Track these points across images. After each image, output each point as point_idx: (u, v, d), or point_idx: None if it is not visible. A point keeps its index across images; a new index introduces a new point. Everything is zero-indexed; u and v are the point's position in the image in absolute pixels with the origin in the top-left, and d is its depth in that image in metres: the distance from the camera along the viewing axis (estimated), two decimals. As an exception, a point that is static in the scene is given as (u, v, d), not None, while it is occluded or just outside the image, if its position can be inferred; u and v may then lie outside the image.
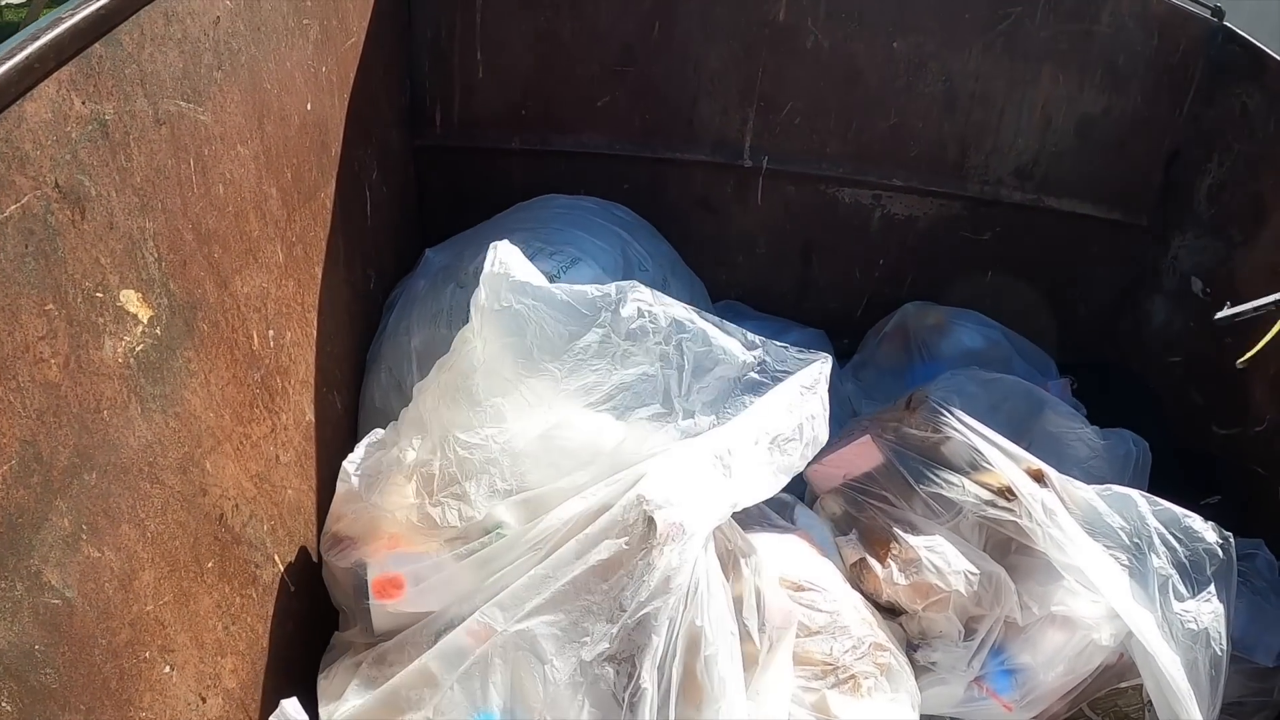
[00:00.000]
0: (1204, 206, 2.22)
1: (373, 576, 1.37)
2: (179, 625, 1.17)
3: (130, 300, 1.08)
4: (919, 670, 1.72)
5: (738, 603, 1.29)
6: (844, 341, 2.32)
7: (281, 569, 1.46)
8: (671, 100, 2.09)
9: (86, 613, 1.00)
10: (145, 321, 1.11)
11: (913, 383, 2.18)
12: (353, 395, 1.79)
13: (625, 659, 1.15)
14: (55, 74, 0.95)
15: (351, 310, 1.79)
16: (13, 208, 0.91)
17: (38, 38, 0.91)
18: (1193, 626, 1.63)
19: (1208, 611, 1.65)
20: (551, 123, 2.11)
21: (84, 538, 1.00)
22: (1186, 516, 1.72)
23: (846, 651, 1.57)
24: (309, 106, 1.55)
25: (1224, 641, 1.63)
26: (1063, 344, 2.40)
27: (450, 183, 2.17)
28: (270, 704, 1.35)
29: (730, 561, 1.33)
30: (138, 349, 1.10)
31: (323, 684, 1.38)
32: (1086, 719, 1.85)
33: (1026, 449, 1.91)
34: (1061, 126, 2.20)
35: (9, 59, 0.87)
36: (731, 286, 2.27)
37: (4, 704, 0.87)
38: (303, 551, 1.54)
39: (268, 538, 1.43)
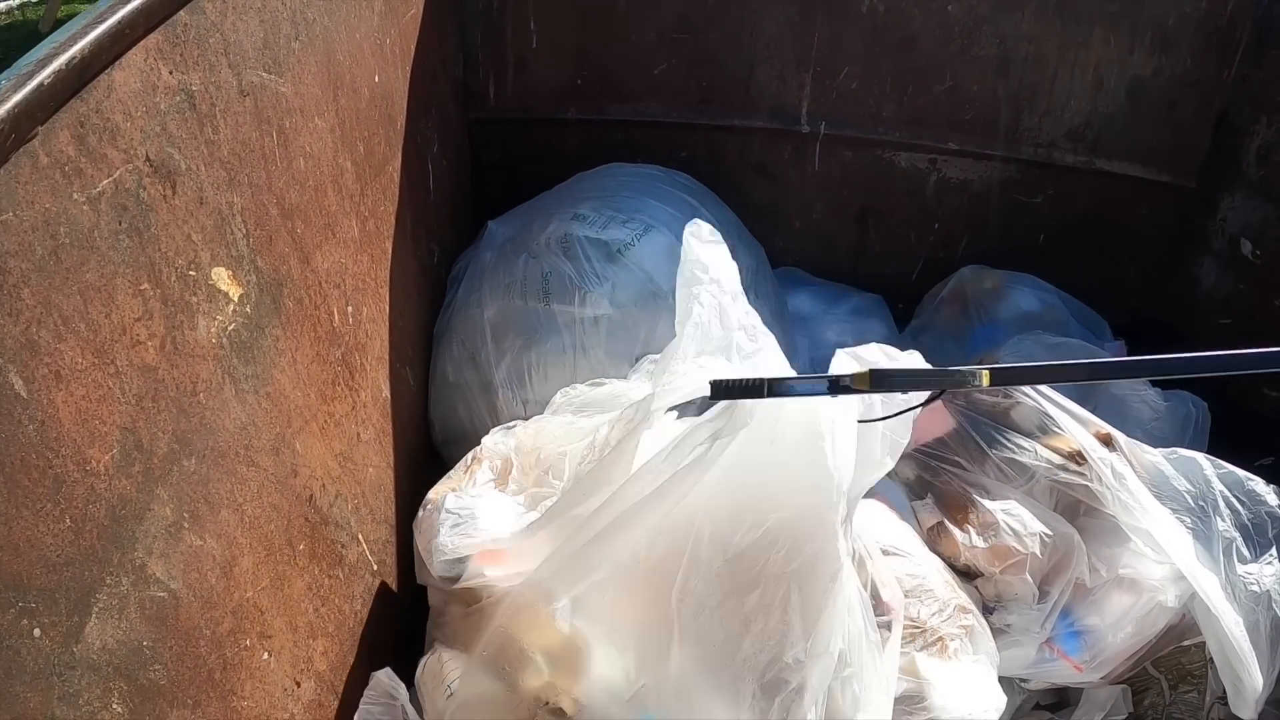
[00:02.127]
0: (1253, 168, 2.12)
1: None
2: (275, 610, 1.10)
3: (221, 278, 1.00)
4: (994, 632, 1.64)
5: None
6: (899, 306, 2.22)
7: (365, 547, 1.39)
8: (728, 67, 1.98)
9: (191, 603, 0.92)
10: (236, 300, 1.03)
11: (973, 346, 2.10)
12: (423, 371, 1.70)
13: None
14: (143, 41, 0.86)
15: (419, 285, 1.70)
16: (105, 182, 0.82)
17: (126, 2, 0.82)
18: (1255, 589, 1.57)
19: (1270, 574, 1.59)
20: (608, 92, 2.00)
21: (186, 526, 0.92)
22: (1250, 480, 1.66)
23: (934, 614, 1.51)
24: (376, 79, 1.45)
25: None
26: (1113, 306, 2.31)
27: (503, 155, 2.07)
28: (356, 684, 1.29)
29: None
30: (229, 328, 1.01)
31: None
32: (1150, 677, 1.81)
33: (1093, 410, 1.88)
34: (1113, 88, 2.10)
35: (99, 24, 0.78)
36: (788, 253, 2.17)
37: (114, 705, 0.80)
38: (384, 529, 1.47)
39: (352, 517, 1.35)
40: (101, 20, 0.77)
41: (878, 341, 2.09)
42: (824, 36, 1.97)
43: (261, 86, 1.07)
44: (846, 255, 2.20)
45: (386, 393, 1.51)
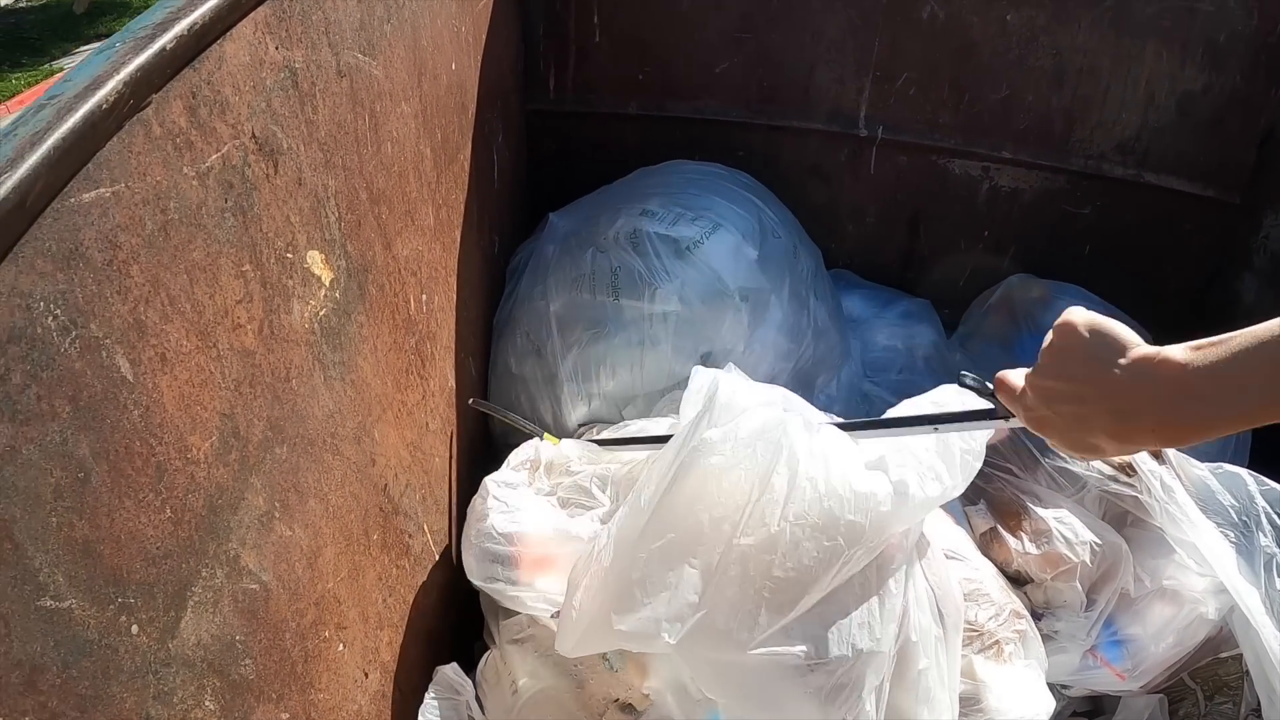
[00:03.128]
0: None
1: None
2: (351, 601, 1.04)
3: (315, 262, 0.93)
4: (1043, 638, 1.60)
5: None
6: (945, 311, 2.14)
7: (429, 538, 1.33)
8: (788, 68, 1.91)
9: (280, 595, 0.86)
10: (327, 284, 0.96)
11: (1020, 354, 2.03)
12: (484, 361, 1.64)
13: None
14: (253, 13, 0.79)
15: (483, 275, 1.63)
16: (214, 157, 0.75)
17: (232, -28, 0.75)
18: None
19: None
20: (669, 88, 1.93)
21: (277, 516, 0.86)
22: None
23: (991, 618, 1.48)
24: (454, 66, 1.38)
25: None
26: (1153, 320, 2.23)
27: (561, 147, 2.00)
28: (416, 675, 1.23)
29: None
30: (321, 313, 0.95)
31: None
32: (1186, 687, 1.77)
33: None
34: (1163, 103, 2.03)
35: (211, -8, 0.71)
36: (840, 256, 2.10)
37: (208, 702, 0.74)
38: (444, 519, 1.40)
39: (419, 507, 1.29)
40: (212, -10, 0.70)
41: (927, 345, 2.03)
42: (884, 41, 1.90)
43: (357, 68, 1.00)
44: (896, 259, 2.13)
45: (452, 382, 1.45)
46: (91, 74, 0.60)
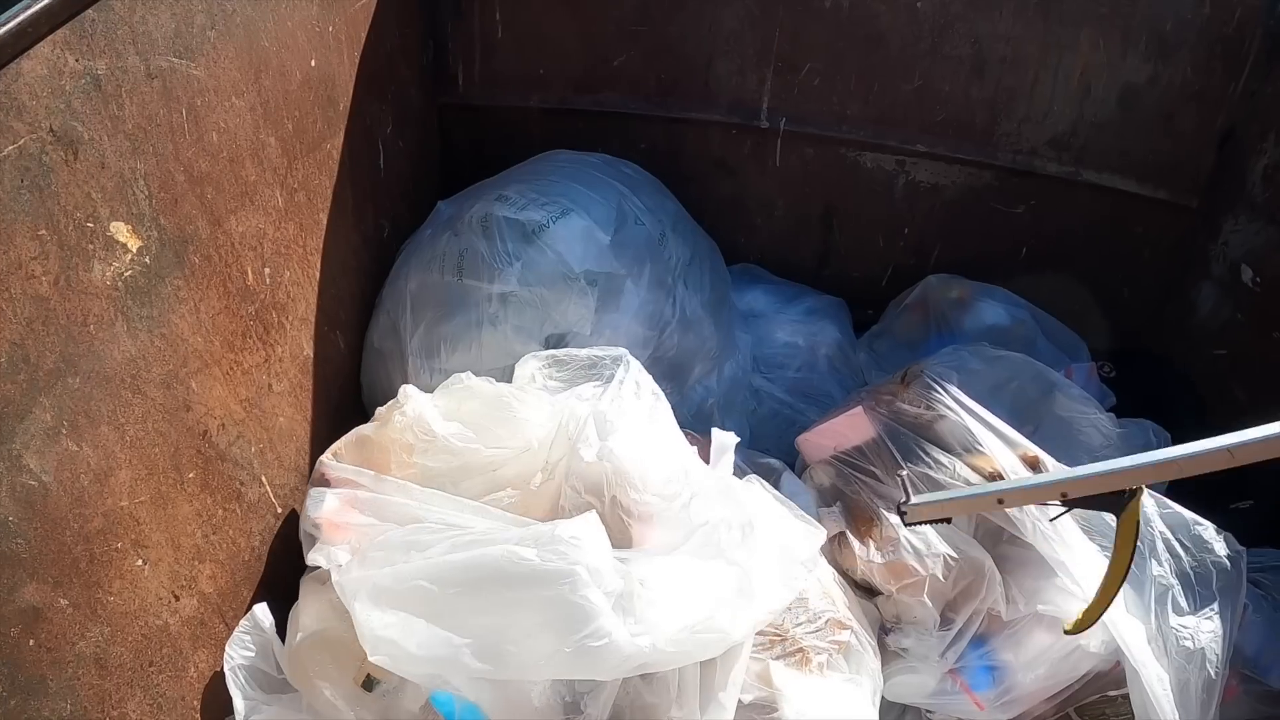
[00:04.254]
0: (1258, 189, 2.18)
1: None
2: (154, 525, 1.42)
3: (120, 231, 1.33)
4: (889, 655, 1.78)
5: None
6: (868, 312, 2.41)
7: (269, 490, 1.72)
8: (687, 60, 2.23)
9: (60, 497, 1.24)
10: (134, 250, 1.36)
11: (926, 355, 2.27)
12: (357, 336, 2.03)
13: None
14: (50, 36, 1.19)
15: (360, 255, 2.03)
16: (9, 149, 1.15)
17: (30, 6, 1.16)
18: (1189, 644, 1.61)
19: (1207, 629, 1.62)
20: (569, 82, 2.29)
21: (64, 432, 1.25)
22: (1198, 524, 1.70)
23: (799, 625, 1.62)
24: (313, 63, 1.79)
25: (1220, 664, 1.61)
26: (1102, 329, 2.41)
27: (473, 139, 2.38)
28: (247, 613, 1.60)
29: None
30: (126, 274, 1.35)
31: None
32: None
33: (1032, 433, 1.89)
34: (1102, 96, 2.20)
35: (5, 24, 1.12)
36: (750, 250, 2.40)
37: (-25, 560, 1.13)
38: (293, 476, 1.79)
39: (255, 459, 1.68)
40: (7, 22, 1.11)
41: (830, 344, 2.29)
42: (786, 31, 2.19)
43: (171, 70, 1.40)
44: (811, 256, 2.41)
45: (309, 351, 1.84)
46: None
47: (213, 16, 1.49)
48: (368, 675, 1.45)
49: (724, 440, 1.56)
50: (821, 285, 2.42)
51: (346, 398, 1.98)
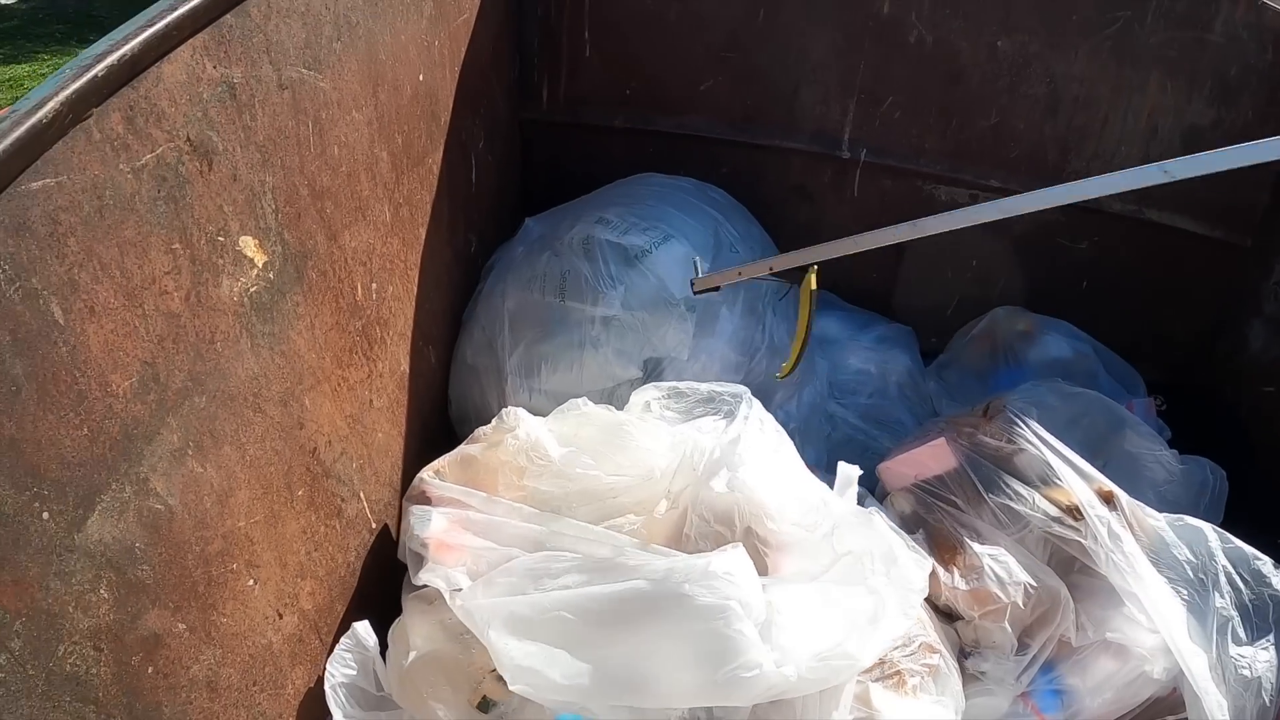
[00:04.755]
0: None
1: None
2: (266, 544, 1.30)
3: (248, 245, 1.20)
4: (968, 678, 1.71)
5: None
6: (932, 340, 2.31)
7: (365, 505, 1.59)
8: (773, 87, 2.13)
9: (185, 520, 1.12)
10: (260, 266, 1.23)
11: (996, 387, 2.17)
12: (446, 351, 1.91)
13: None
14: (190, 40, 1.07)
15: (452, 271, 1.90)
16: (149, 156, 1.03)
17: (176, 8, 1.03)
18: (1246, 673, 1.58)
19: (1264, 660, 1.59)
20: (655, 103, 2.18)
21: (190, 453, 1.13)
22: (1257, 559, 1.67)
23: (896, 648, 1.55)
24: (421, 77, 1.66)
25: (1275, 692, 1.59)
26: (1156, 363, 2.33)
27: (553, 155, 2.26)
28: (342, 629, 1.47)
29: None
30: (252, 290, 1.22)
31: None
32: None
33: (1102, 467, 1.87)
34: (1167, 137, 2.14)
35: (150, 26, 0.99)
36: (823, 276, 2.29)
37: (102, 590, 1.00)
38: (387, 491, 1.67)
39: (355, 475, 1.55)
40: (152, 24, 0.98)
41: (901, 371, 2.19)
42: (870, 64, 2.09)
43: (300, 81, 1.28)
44: (882, 284, 2.31)
45: (405, 367, 1.72)
46: (41, 95, 0.88)
47: (339, 28, 1.36)
48: (483, 697, 1.34)
49: (849, 473, 1.48)
50: (889, 313, 2.32)
51: (435, 413, 1.86)
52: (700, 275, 1.69)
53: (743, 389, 1.51)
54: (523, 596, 1.24)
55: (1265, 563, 1.65)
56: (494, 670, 1.37)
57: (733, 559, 1.23)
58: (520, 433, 1.48)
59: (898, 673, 1.54)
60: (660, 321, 1.71)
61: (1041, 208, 1.58)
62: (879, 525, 1.45)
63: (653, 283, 1.72)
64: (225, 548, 1.20)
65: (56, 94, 0.88)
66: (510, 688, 1.19)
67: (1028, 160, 2.16)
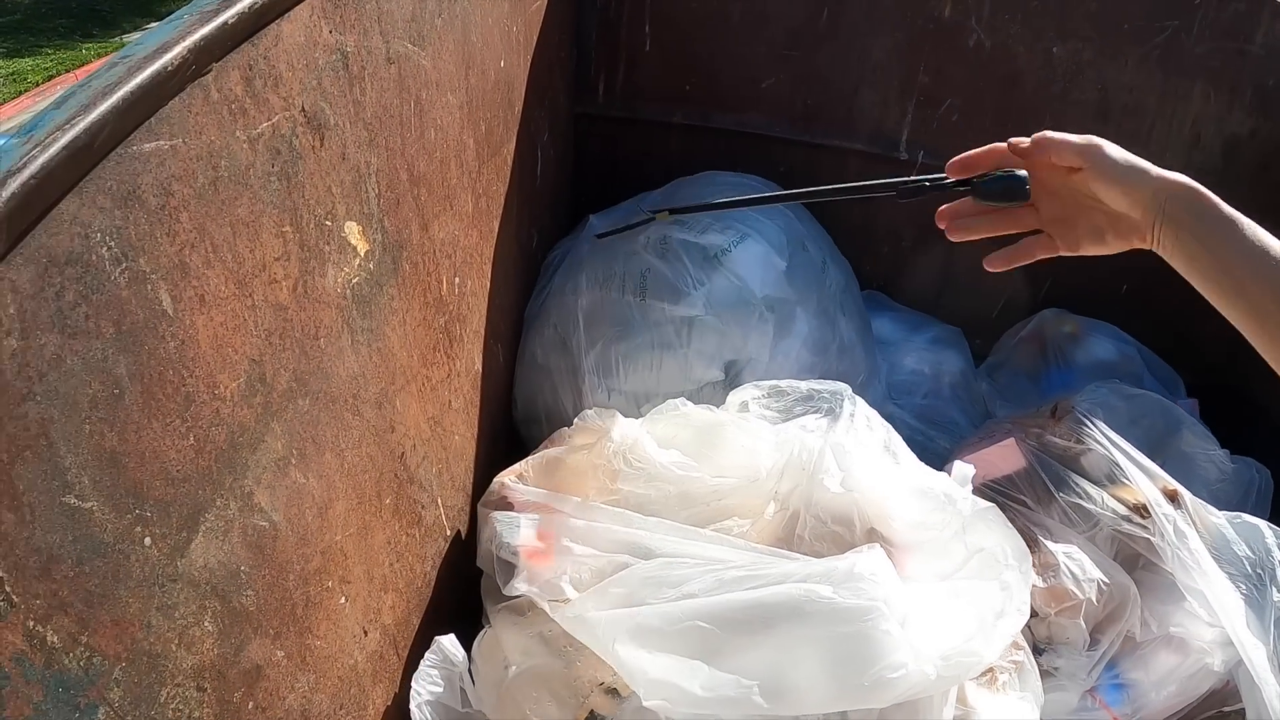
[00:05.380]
0: None
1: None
2: (357, 557, 1.10)
3: (353, 232, 1.01)
4: (1041, 674, 1.58)
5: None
6: (977, 342, 2.16)
7: (442, 511, 1.39)
8: (833, 87, 1.96)
9: (288, 537, 0.93)
10: (362, 255, 1.03)
11: (1048, 388, 2.04)
12: (513, 349, 1.71)
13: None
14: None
15: (518, 265, 1.70)
16: (265, 125, 0.83)
17: (299, -42, 0.83)
18: None
19: None
20: (714, 100, 1.99)
21: (293, 462, 0.93)
22: None
23: None
24: (502, 64, 1.46)
25: None
26: (1189, 364, 2.23)
27: (607, 150, 2.07)
28: (418, 642, 1.29)
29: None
30: (354, 281, 1.02)
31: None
32: None
33: (1161, 465, 1.82)
34: (1209, 145, 2.03)
35: (274, -23, 0.79)
36: (874, 277, 2.14)
37: (207, 623, 0.81)
38: (461, 496, 1.47)
39: (435, 480, 1.35)
40: (276, -25, 0.78)
41: (954, 372, 2.05)
42: (930, 66, 1.94)
43: (406, 56, 1.08)
44: (931, 285, 2.16)
45: (478, 365, 1.52)
46: (160, 39, 0.68)
47: (440, 3, 1.17)
48: (590, 711, 1.15)
49: (964, 471, 1.32)
50: (937, 313, 2.16)
51: (503, 414, 1.66)
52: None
53: (843, 386, 1.34)
54: (647, 607, 1.06)
55: (1319, 561, 1.59)
56: (602, 684, 1.20)
57: (875, 559, 1.09)
58: (616, 434, 1.29)
59: (991, 670, 1.44)
60: (741, 322, 1.53)
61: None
62: (1005, 521, 1.30)
63: (734, 282, 1.54)
64: (324, 564, 1.01)
65: (182, 39, 0.68)
66: (645, 703, 1.01)
67: (1076, 165, 2.02)
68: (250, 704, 0.89)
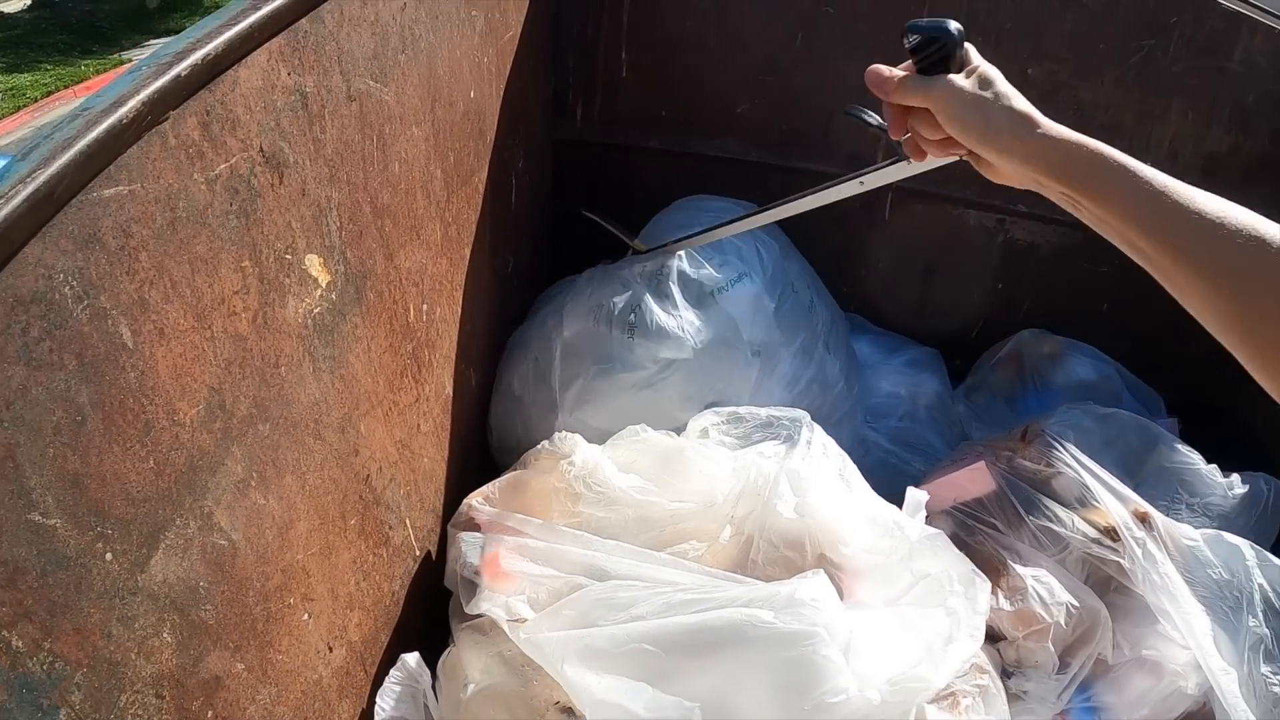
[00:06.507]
0: None
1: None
2: (320, 576, 1.18)
3: (313, 264, 1.09)
4: (1010, 698, 1.65)
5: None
6: (956, 362, 2.23)
7: (410, 532, 1.47)
8: (810, 112, 2.04)
9: (247, 555, 1.00)
10: (324, 286, 1.12)
11: (1024, 409, 2.11)
12: (485, 373, 1.79)
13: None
14: (267, 44, 0.96)
15: (491, 291, 1.79)
16: (223, 166, 0.91)
17: (257, 8, 0.92)
18: (1277, 690, 1.56)
19: None
20: (691, 125, 2.08)
21: (253, 484, 1.01)
22: None
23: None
24: (472, 94, 1.55)
25: None
26: (1171, 384, 2.29)
27: (585, 175, 2.16)
28: (386, 659, 1.36)
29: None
30: (315, 311, 1.11)
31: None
32: None
33: (1138, 486, 1.86)
34: (1188, 163, 2.09)
35: (232, 26, 0.88)
36: (852, 300, 2.21)
37: (165, 635, 0.88)
38: (430, 518, 1.55)
39: (403, 501, 1.43)
40: (234, 23, 0.87)
41: (931, 394, 2.12)
42: (906, 91, 2.02)
43: (368, 93, 1.16)
44: (909, 307, 2.23)
45: (449, 390, 1.60)
46: (117, 93, 0.77)
47: (404, 40, 1.25)
48: (549, 731, 1.22)
49: (917, 497, 1.38)
50: (916, 335, 2.23)
51: (475, 438, 1.74)
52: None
53: (801, 413, 1.41)
54: (597, 629, 1.13)
55: (1305, 583, 1.62)
56: (558, 703, 1.26)
57: (817, 585, 1.15)
58: (577, 458, 1.37)
59: (952, 694, 1.48)
60: (727, 364, 1.59)
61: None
62: (953, 547, 1.37)
63: (724, 324, 1.60)
64: (284, 582, 1.08)
65: (137, 92, 0.76)
66: (588, 723, 1.08)
67: (1058, 186, 2.10)
68: (210, 713, 0.96)
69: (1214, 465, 1.93)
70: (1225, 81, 2.02)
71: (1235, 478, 1.92)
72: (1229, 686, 1.53)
